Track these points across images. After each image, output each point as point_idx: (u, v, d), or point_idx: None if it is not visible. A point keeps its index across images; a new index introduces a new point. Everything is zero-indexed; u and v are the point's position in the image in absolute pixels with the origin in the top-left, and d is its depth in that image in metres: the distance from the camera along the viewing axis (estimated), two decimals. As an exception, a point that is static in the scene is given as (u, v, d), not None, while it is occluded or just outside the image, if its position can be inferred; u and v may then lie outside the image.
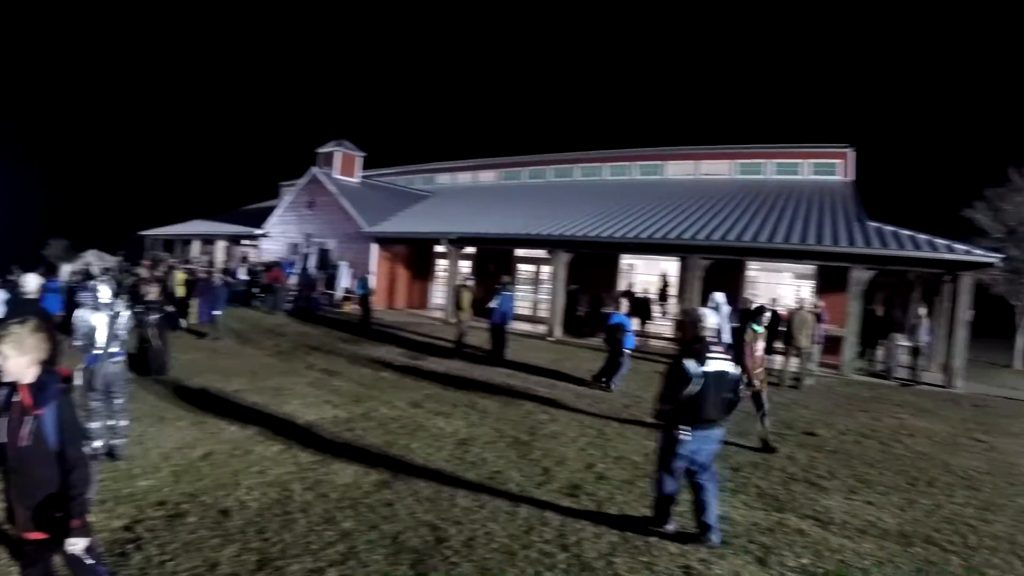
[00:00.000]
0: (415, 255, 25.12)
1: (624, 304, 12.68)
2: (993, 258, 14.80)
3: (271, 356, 12.66)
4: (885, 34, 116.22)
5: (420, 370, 11.88)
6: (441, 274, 24.59)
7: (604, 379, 11.30)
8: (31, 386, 2.98)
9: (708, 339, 5.05)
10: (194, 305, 16.39)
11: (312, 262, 24.57)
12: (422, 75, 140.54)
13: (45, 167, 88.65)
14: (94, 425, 6.20)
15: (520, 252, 23.10)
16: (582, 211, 21.55)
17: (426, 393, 9.89)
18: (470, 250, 22.94)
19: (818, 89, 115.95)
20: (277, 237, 27.56)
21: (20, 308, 7.05)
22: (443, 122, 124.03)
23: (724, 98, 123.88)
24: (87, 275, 20.30)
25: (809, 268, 19.13)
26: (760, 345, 8.61)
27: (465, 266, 23.22)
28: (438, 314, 21.75)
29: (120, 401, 6.44)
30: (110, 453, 6.23)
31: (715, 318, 5.56)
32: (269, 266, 22.98)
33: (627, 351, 11.43)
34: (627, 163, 28.56)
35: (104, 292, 6.62)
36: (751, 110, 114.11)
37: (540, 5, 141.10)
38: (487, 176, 32.63)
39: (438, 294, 24.57)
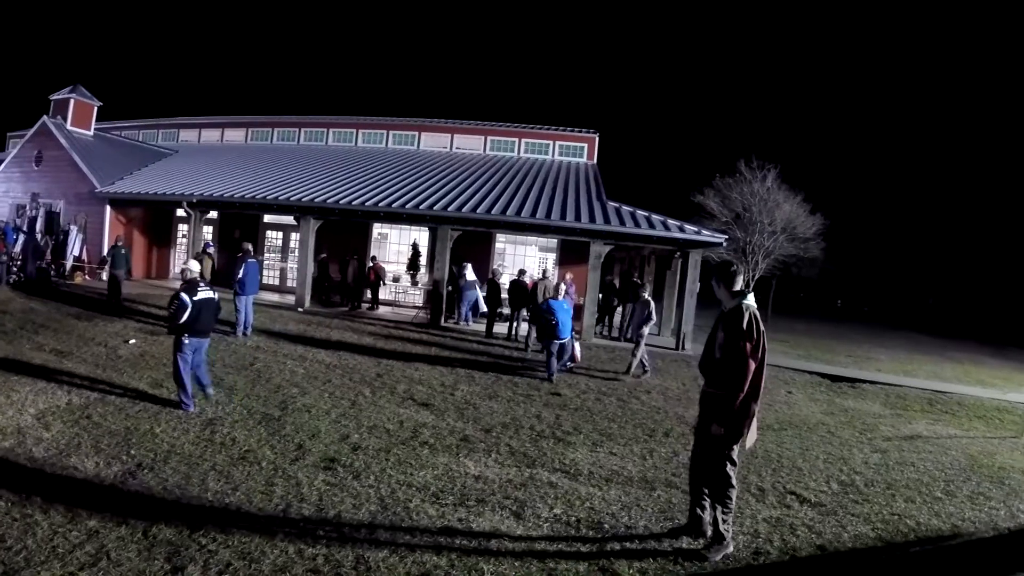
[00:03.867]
0: (154, 219, 23.75)
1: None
2: (720, 238, 17.44)
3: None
4: (632, 31, 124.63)
5: (157, 346, 11.56)
6: (182, 240, 23.60)
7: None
8: None
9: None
10: None
11: (39, 226, 22.39)
12: (168, 18, 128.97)
13: None
14: None
15: (268, 218, 22.80)
16: (334, 177, 21.79)
17: (167, 371, 9.44)
18: (213, 215, 22.28)
19: (567, 77, 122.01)
20: (1, 197, 24.82)
21: None
22: (190, 74, 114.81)
23: (480, 77, 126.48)
24: None
25: (553, 241, 20.88)
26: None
27: (208, 232, 22.52)
28: (178, 284, 20.71)
29: None
30: None
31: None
32: None
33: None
34: (382, 131, 29.03)
35: None
36: (506, 91, 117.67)
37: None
38: (235, 135, 31.43)
39: (179, 263, 23.40)
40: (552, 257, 21.74)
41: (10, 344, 11.19)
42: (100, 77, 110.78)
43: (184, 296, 7.76)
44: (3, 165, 25.01)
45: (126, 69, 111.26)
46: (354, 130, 29.42)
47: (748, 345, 4.71)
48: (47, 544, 4.41)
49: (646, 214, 17.87)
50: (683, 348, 16.76)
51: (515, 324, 16.33)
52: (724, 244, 18.38)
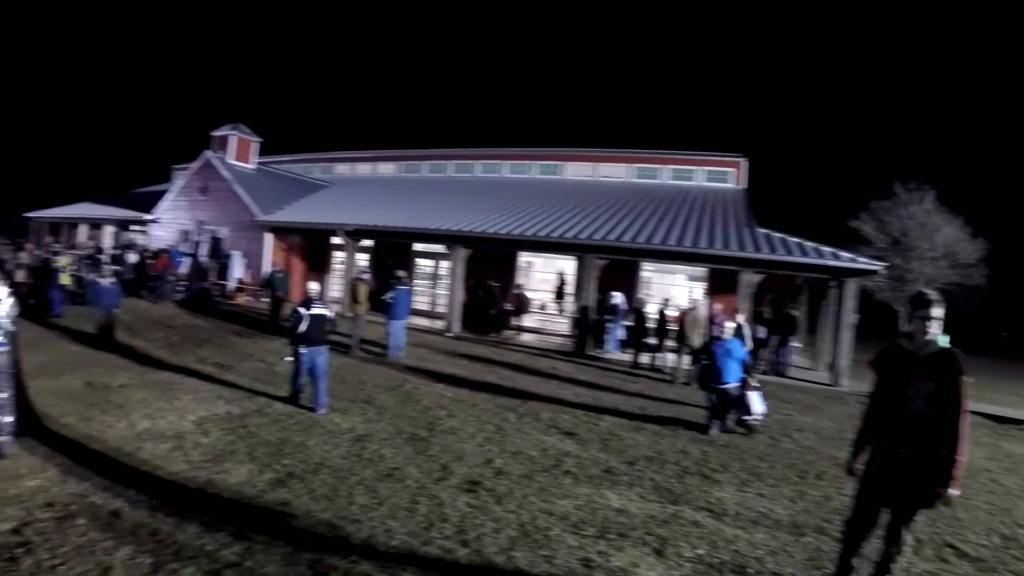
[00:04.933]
0: (311, 246, 24.61)
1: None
2: (877, 266, 16.01)
3: (160, 349, 12.25)
4: (778, 50, 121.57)
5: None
6: (338, 267, 24.25)
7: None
8: None
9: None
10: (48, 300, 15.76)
11: (204, 250, 23.76)
12: (324, 61, 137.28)
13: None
14: None
15: (418, 246, 23.07)
16: (481, 207, 21.80)
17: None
18: (368, 243, 22.76)
19: (714, 100, 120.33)
20: (168, 223, 26.42)
21: None
22: (344, 111, 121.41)
23: (624, 104, 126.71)
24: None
25: (701, 270, 19.96)
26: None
27: (362, 259, 23.03)
28: (334, 308, 21.29)
29: (3, 395, 5.99)
30: None
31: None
32: (156, 254, 22.09)
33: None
34: (527, 162, 29.07)
35: None
36: (649, 117, 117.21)
37: (446, 5, 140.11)
38: (387, 168, 32.39)
39: (334, 287, 24.17)
40: (700, 287, 20.76)
41: (175, 356, 11.73)
42: (262, 115, 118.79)
43: (301, 310, 8.83)
44: (173, 195, 26.76)
45: (286, 108, 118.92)
46: (500, 161, 29.64)
47: (967, 399, 3.87)
48: (196, 541, 4.55)
49: (798, 241, 16.62)
50: (839, 384, 15.40)
51: (661, 355, 15.53)
52: (881, 272, 16.89)
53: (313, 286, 9.59)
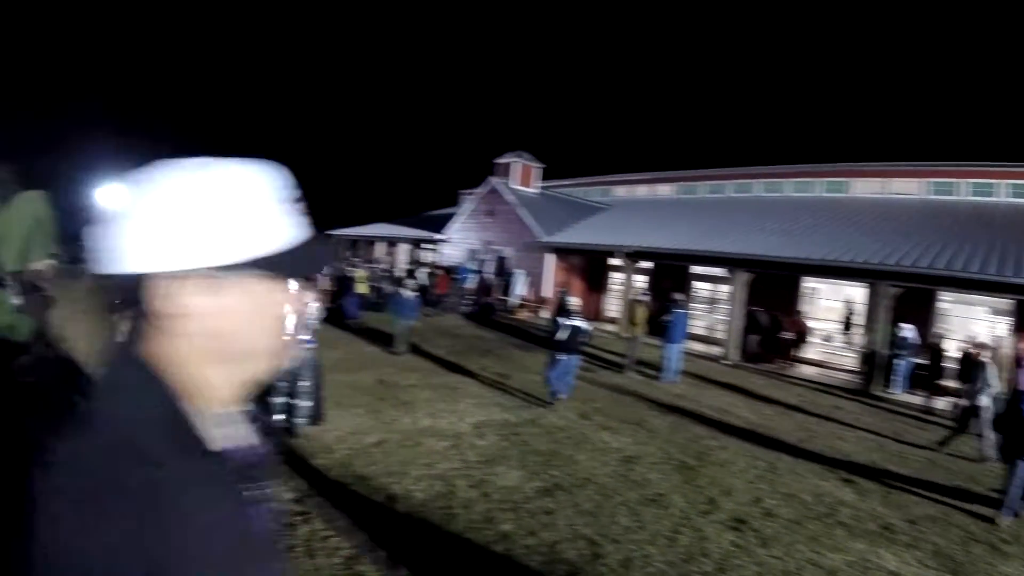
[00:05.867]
0: (590, 267, 24.97)
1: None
2: None
3: (446, 356, 13.02)
4: None
5: (591, 382, 11.73)
6: (615, 288, 24.30)
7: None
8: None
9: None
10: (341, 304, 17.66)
11: (490, 268, 25.17)
12: (602, 88, 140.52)
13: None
14: (275, 400, 6.74)
15: (696, 269, 22.43)
16: (762, 228, 20.62)
17: (595, 406, 9.71)
18: (645, 265, 22.59)
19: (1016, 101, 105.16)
20: (457, 243, 28.41)
21: None
22: (622, 134, 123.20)
23: (914, 111, 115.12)
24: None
25: (1007, 303, 17.07)
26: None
27: (640, 281, 22.90)
28: (611, 328, 21.48)
29: (305, 384, 6.84)
30: (289, 429, 6.72)
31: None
32: (438, 271, 23.65)
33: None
34: (810, 179, 27.03)
35: (293, 285, 7.08)
36: (943, 124, 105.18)
37: (724, 23, 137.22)
38: (664, 189, 31.98)
39: (612, 307, 24.25)
40: (1007, 321, 17.67)
41: (459, 363, 12.36)
42: (544, 142, 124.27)
43: (560, 319, 9.70)
44: (462, 217, 28.72)
45: (567, 135, 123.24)
46: (782, 179, 27.90)
47: None
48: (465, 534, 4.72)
49: None
50: None
51: (960, 400, 13.29)
52: None
53: (572, 300, 10.16)
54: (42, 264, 3.34)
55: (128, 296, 0.80)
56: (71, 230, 3.29)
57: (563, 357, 9.57)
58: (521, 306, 22.89)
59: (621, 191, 33.62)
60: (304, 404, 6.82)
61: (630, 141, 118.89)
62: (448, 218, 30.20)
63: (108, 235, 0.81)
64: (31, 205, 3.22)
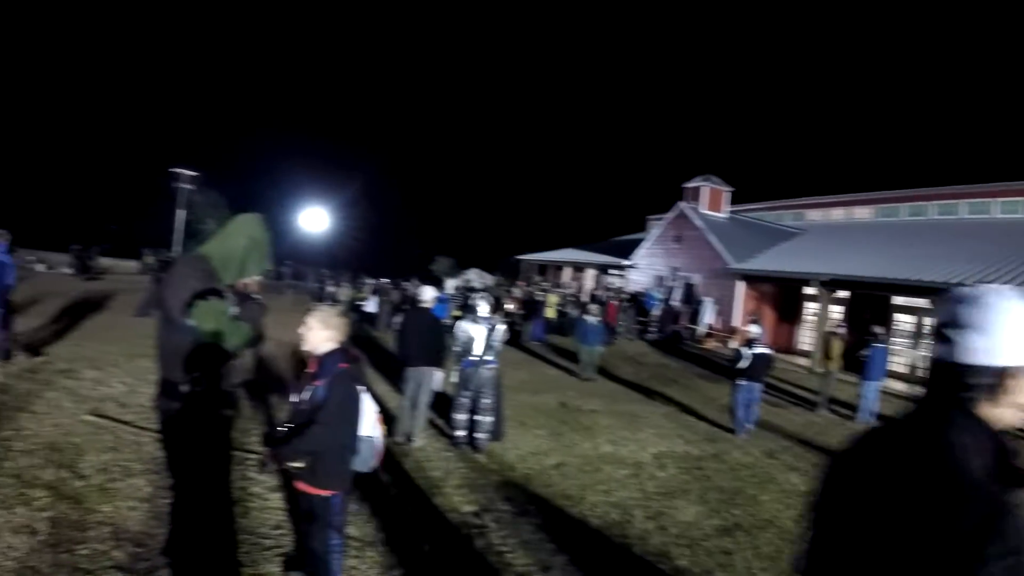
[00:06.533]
0: (782, 296, 23.70)
1: None
2: None
3: (629, 383, 12.94)
4: None
5: (780, 419, 11.18)
6: (809, 319, 22.94)
7: None
8: (320, 358, 3.36)
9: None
10: (527, 326, 17.99)
11: (677, 295, 24.70)
12: (793, 106, 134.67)
13: (430, 197, 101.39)
14: (459, 416, 7.16)
15: (898, 300, 20.73)
16: (971, 253, 18.76)
17: (782, 445, 9.18)
18: (842, 294, 21.24)
19: None
20: (644, 269, 28.15)
21: (416, 314, 8.01)
22: (815, 154, 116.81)
23: None
24: (469, 290, 22.74)
25: None
26: None
27: (836, 312, 21.53)
28: (803, 361, 20.12)
29: (488, 401, 7.14)
30: (472, 444, 7.06)
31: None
32: (608, 299, 23.33)
33: None
34: (1022, 198, 24.17)
35: (483, 307, 7.40)
36: None
37: (924, 33, 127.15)
38: (862, 212, 29.65)
39: (805, 340, 22.86)
40: None
41: (642, 391, 12.28)
42: (732, 164, 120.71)
43: (743, 349, 9.66)
44: (648, 243, 28.41)
45: (757, 157, 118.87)
46: (989, 199, 25.01)
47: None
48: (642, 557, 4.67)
49: None
50: None
51: None
52: None
53: (754, 328, 10.16)
54: (255, 278, 3.75)
55: (986, 381, 1.29)
56: (278, 249, 3.67)
57: (746, 384, 9.44)
58: (708, 335, 22.18)
59: (815, 214, 31.74)
60: (486, 419, 7.11)
61: (824, 161, 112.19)
62: (635, 244, 29.96)
63: (972, 339, 1.30)
64: (248, 226, 3.61)
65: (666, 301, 23.51)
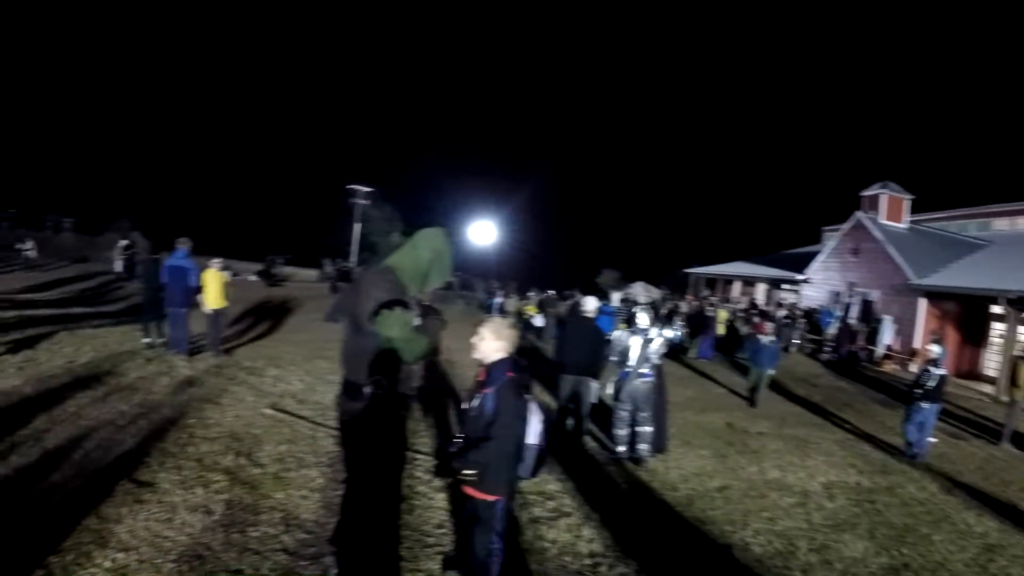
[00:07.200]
0: (966, 315, 21.65)
1: None
2: None
3: (800, 405, 12.63)
4: None
5: (957, 450, 10.52)
6: (996, 340, 20.80)
7: None
8: (489, 367, 3.63)
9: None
10: (696, 342, 17.86)
11: (853, 313, 23.45)
12: (975, 106, 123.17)
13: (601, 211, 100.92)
14: (619, 432, 7.44)
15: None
16: None
17: (961, 480, 8.59)
18: (1035, 315, 19.31)
19: None
20: (819, 284, 26.90)
21: (577, 323, 8.29)
22: (1001, 157, 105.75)
23: None
24: (632, 303, 22.76)
25: None
26: None
27: (1027, 334, 19.63)
28: (987, 388, 18.31)
29: (645, 414, 7.36)
30: (634, 459, 7.31)
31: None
32: (755, 316, 22.36)
33: None
34: None
35: (643, 319, 7.63)
36: None
37: None
38: (1059, 221, 26.90)
39: (990, 364, 20.81)
40: None
41: (814, 414, 11.96)
42: (911, 170, 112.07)
43: (931, 369, 9.42)
44: (823, 256, 27.07)
45: (936, 160, 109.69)
46: None
47: None
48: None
49: None
50: None
51: None
52: None
53: (935, 349, 10.03)
54: (435, 290, 4.17)
55: None
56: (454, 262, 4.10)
57: (925, 406, 9.26)
58: (887, 357, 20.92)
59: (1002, 223, 28.63)
60: (646, 430, 7.33)
61: (1012, 164, 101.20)
62: (809, 257, 28.68)
63: None
64: (433, 239, 4.03)
65: (842, 319, 22.43)
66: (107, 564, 3.77)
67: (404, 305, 3.64)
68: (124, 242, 24.49)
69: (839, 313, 23.32)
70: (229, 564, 3.95)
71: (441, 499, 5.34)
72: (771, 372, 12.45)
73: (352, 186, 42.59)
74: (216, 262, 10.64)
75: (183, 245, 10.07)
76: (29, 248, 24.24)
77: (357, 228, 42.96)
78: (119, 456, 5.44)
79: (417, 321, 3.73)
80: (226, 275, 10.91)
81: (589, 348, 7.68)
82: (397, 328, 3.58)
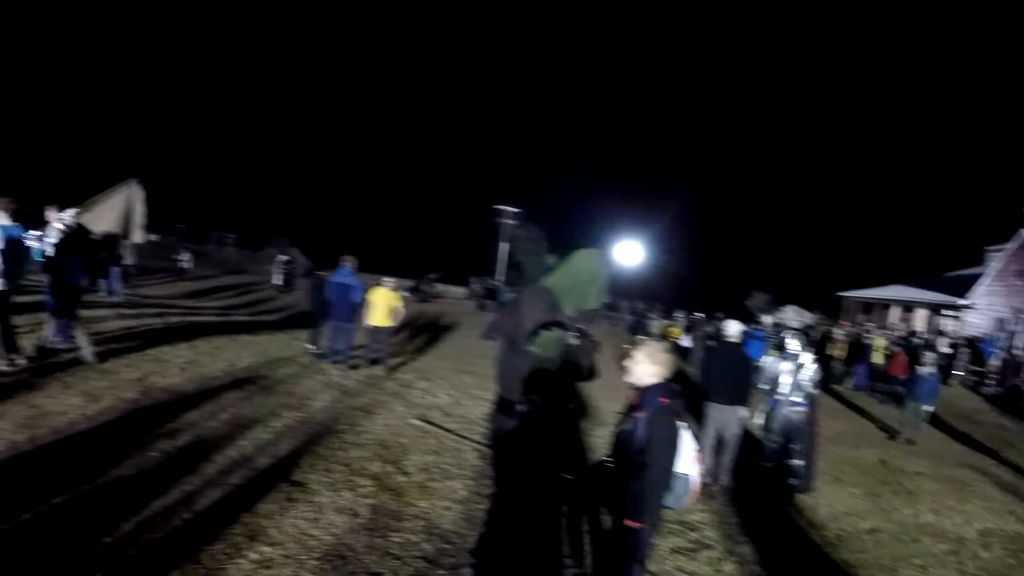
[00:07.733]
0: None
1: None
2: None
3: (960, 443, 11.86)
4: None
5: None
6: None
7: None
8: (642, 391, 3.53)
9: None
10: (852, 372, 17.44)
11: (1019, 342, 21.56)
12: None
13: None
14: (767, 464, 7.20)
15: None
16: None
17: None
18: None
19: None
20: (983, 310, 24.89)
21: (721, 348, 8.04)
22: None
23: None
24: (783, 327, 21.90)
25: None
26: None
27: None
28: None
29: (796, 447, 7.06)
30: (782, 492, 7.01)
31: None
32: (895, 348, 20.72)
33: None
34: None
35: (793, 344, 7.35)
36: None
37: None
38: None
39: None
40: None
41: (975, 454, 11.14)
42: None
43: None
44: (988, 279, 25.04)
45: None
46: None
47: None
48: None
49: None
50: None
51: None
52: None
53: None
54: (582, 311, 4.20)
55: None
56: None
57: None
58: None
59: None
60: (796, 464, 7.02)
61: None
62: (972, 279, 26.69)
63: None
64: (589, 260, 4.10)
65: (1007, 349, 20.66)
66: (254, 556, 4.01)
67: (562, 326, 3.70)
68: (284, 257, 26.27)
69: (1003, 343, 21.53)
70: (370, 566, 4.11)
71: (583, 521, 5.31)
72: (930, 408, 11.41)
73: (499, 206, 43.56)
74: (389, 281, 11.12)
75: (348, 263, 10.58)
76: (185, 259, 26.12)
77: (504, 247, 43.91)
78: (273, 456, 5.77)
79: (575, 342, 3.77)
80: (399, 295, 11.28)
81: (735, 374, 7.42)
82: (553, 348, 3.64)
